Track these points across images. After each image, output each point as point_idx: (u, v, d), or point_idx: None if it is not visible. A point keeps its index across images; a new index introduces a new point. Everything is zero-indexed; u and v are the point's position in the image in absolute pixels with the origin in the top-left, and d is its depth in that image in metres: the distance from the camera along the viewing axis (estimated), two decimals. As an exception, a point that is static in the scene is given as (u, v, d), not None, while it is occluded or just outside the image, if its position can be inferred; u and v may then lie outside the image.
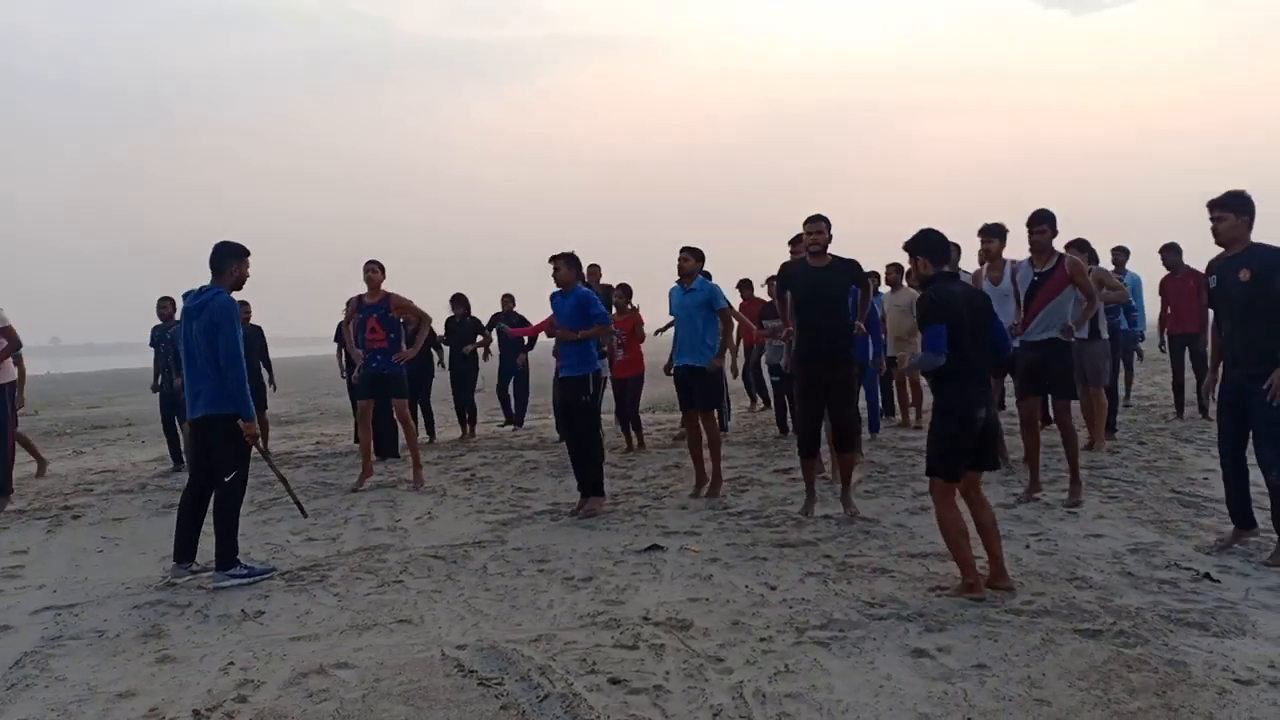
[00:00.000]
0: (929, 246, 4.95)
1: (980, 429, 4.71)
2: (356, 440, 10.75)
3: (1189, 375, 10.46)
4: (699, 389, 7.53)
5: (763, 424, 11.67)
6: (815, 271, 6.46)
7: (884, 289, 10.79)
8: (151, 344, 10.35)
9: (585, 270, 7.71)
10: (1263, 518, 5.22)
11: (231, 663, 4.17)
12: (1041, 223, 6.64)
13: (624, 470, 8.78)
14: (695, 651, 4.03)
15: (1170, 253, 10.54)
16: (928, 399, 11.22)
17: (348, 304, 8.73)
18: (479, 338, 11.98)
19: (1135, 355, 11.59)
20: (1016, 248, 7.69)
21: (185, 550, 5.63)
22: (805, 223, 6.58)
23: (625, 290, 10.22)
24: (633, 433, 10.14)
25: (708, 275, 7.81)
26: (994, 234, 7.54)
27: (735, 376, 11.04)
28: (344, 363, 11.19)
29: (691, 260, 7.55)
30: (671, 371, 7.71)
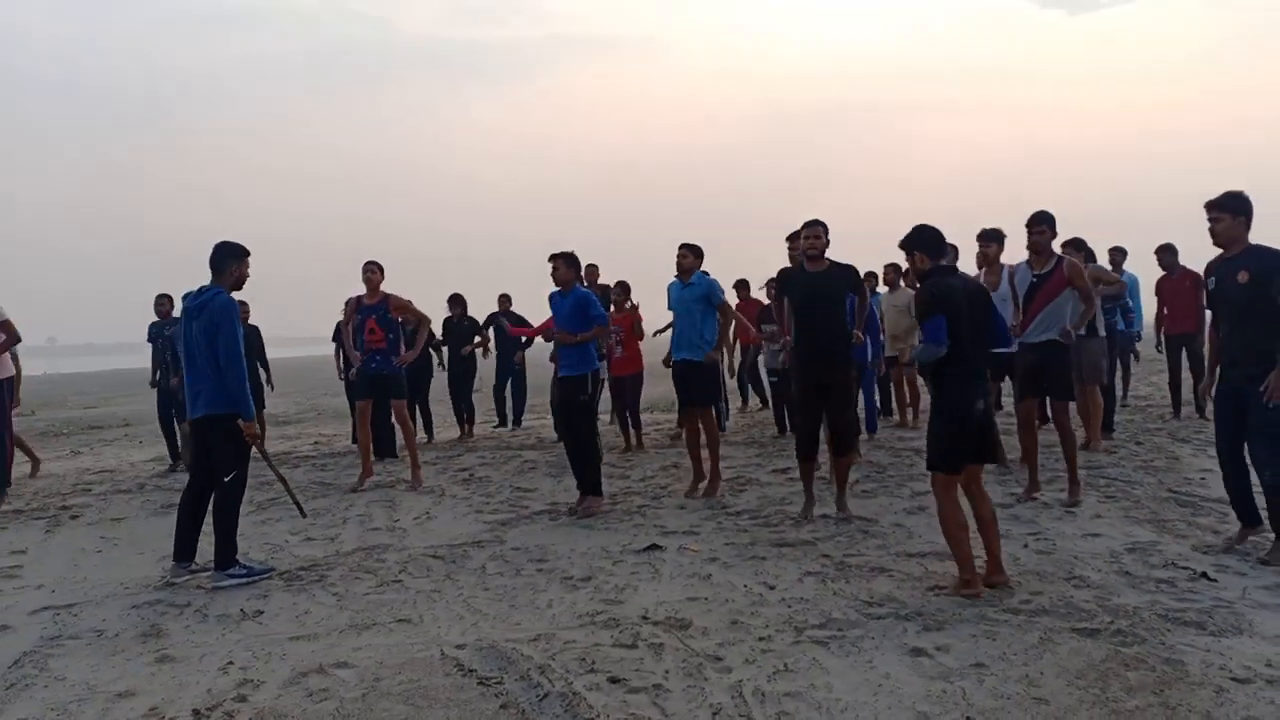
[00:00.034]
0: (924, 241, 4.98)
1: (979, 421, 4.74)
2: (355, 440, 10.76)
3: (1186, 375, 10.49)
4: (696, 384, 7.54)
5: (761, 424, 11.68)
6: (813, 276, 6.47)
7: (881, 289, 10.81)
8: (149, 340, 10.36)
9: (583, 270, 7.71)
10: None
11: (231, 662, 4.18)
12: (1041, 223, 6.66)
13: (622, 470, 8.79)
14: (694, 650, 4.04)
15: (1166, 253, 10.57)
16: (924, 400, 11.27)
17: (346, 304, 8.73)
18: (476, 338, 11.99)
19: (1132, 356, 11.61)
20: (1014, 252, 7.72)
21: (185, 550, 5.64)
22: (803, 226, 6.59)
23: (624, 288, 10.23)
24: (631, 431, 10.13)
25: (704, 273, 7.82)
26: (992, 239, 7.59)
27: (731, 376, 11.05)
28: (342, 363, 11.20)
29: (690, 257, 7.57)
30: (670, 364, 7.74)
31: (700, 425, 7.57)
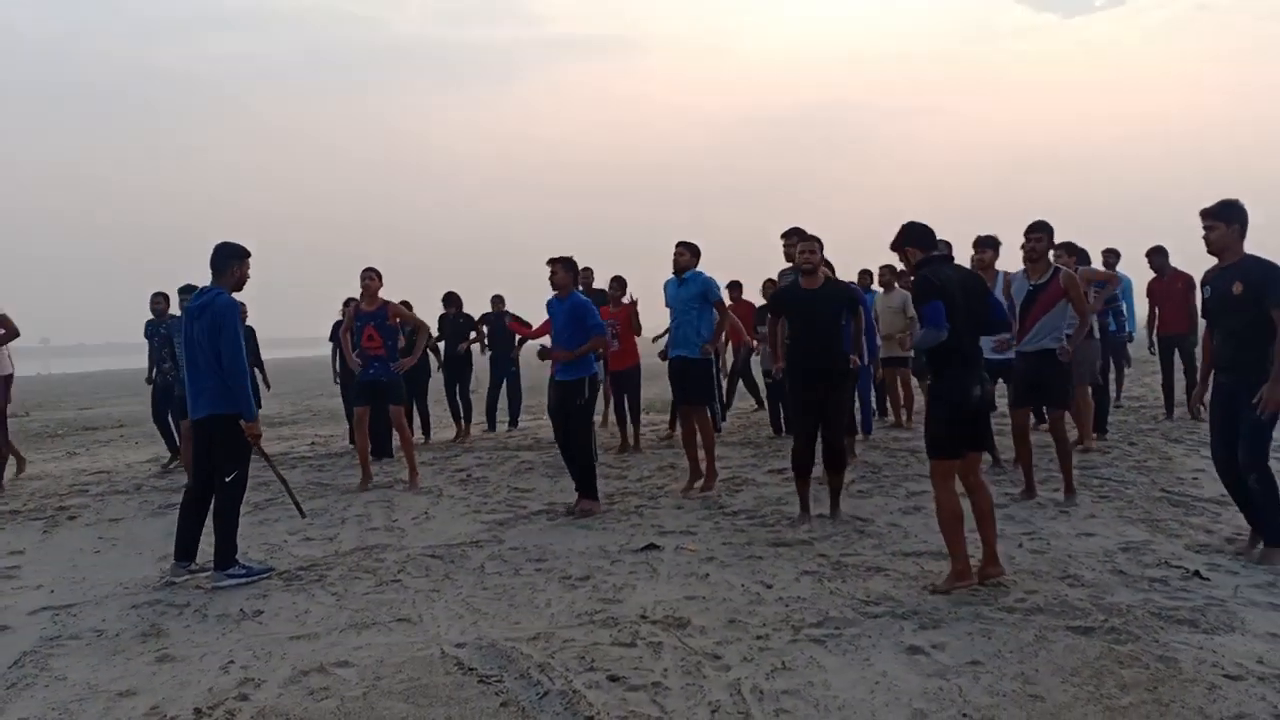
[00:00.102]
0: (913, 236, 5.04)
1: (976, 408, 4.79)
2: (352, 442, 10.78)
3: (1178, 376, 10.55)
4: (693, 382, 7.58)
5: (756, 425, 11.72)
6: (808, 295, 6.48)
7: (876, 288, 10.86)
8: (146, 337, 10.38)
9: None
10: None
11: (231, 661, 4.20)
12: (1038, 231, 6.72)
13: (619, 470, 8.82)
14: (693, 649, 4.07)
15: (1157, 255, 10.62)
16: (919, 401, 11.32)
17: (345, 304, 8.75)
18: (471, 333, 12.03)
19: (1124, 360, 11.65)
20: (1010, 259, 7.78)
21: (186, 550, 5.66)
22: (799, 242, 6.61)
23: (620, 283, 10.27)
24: (630, 429, 10.14)
25: (700, 272, 7.84)
26: (987, 245, 7.66)
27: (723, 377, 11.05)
28: (338, 366, 11.22)
29: (687, 255, 7.60)
30: (665, 358, 7.77)
31: (695, 424, 7.60)
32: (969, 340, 4.87)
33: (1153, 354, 11.01)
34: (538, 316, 10.12)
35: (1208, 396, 5.47)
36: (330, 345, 11.34)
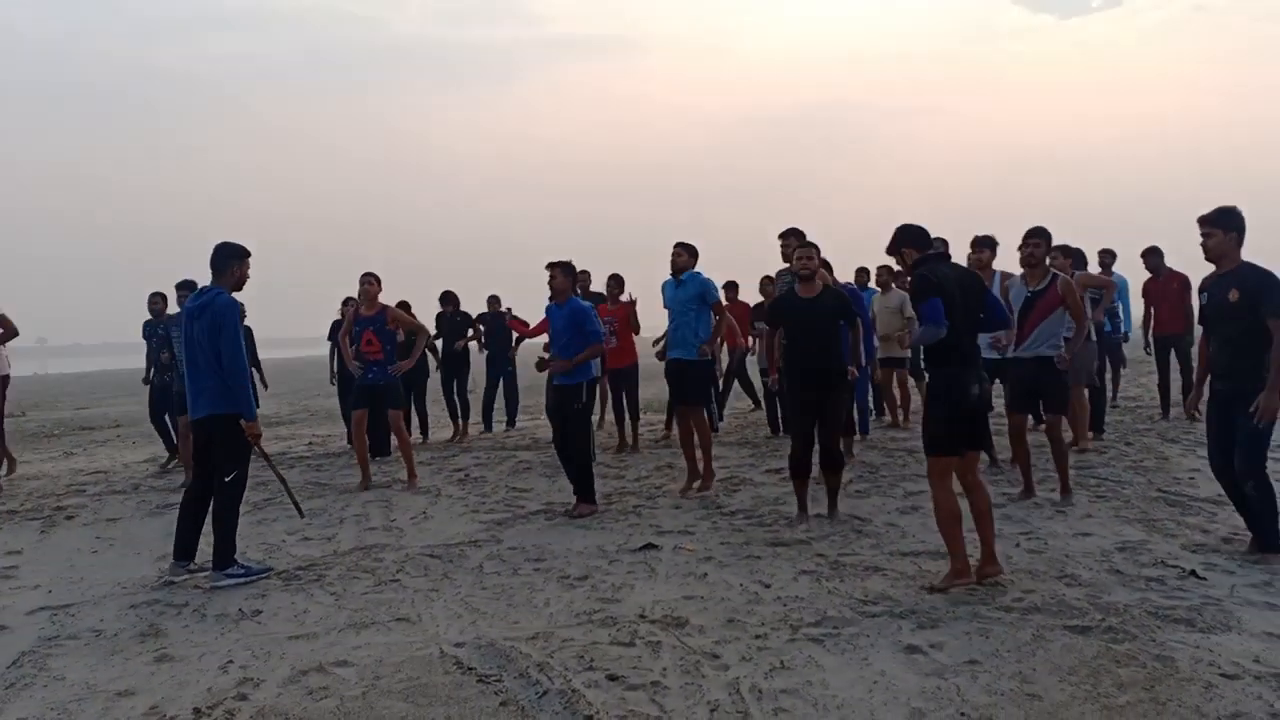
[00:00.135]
0: (909, 238, 5.07)
1: (974, 406, 4.80)
2: (350, 443, 10.79)
3: (1175, 376, 10.58)
4: (690, 383, 7.59)
5: (754, 425, 11.73)
6: (806, 304, 6.49)
7: (873, 286, 10.88)
8: (144, 338, 10.37)
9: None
10: None
11: (230, 661, 4.20)
12: (1036, 237, 6.75)
13: (617, 470, 8.83)
14: (691, 648, 4.08)
15: (1152, 255, 10.65)
16: (915, 401, 11.33)
17: (344, 303, 8.76)
18: (469, 330, 12.05)
19: (1119, 360, 11.68)
20: (1007, 260, 7.81)
21: (185, 549, 5.66)
22: (798, 247, 6.62)
23: (618, 281, 10.28)
24: (628, 427, 10.14)
25: (698, 273, 7.85)
26: (985, 245, 7.70)
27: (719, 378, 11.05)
28: (335, 367, 11.22)
29: (684, 255, 7.61)
30: (664, 359, 7.78)
31: (692, 424, 7.61)
32: (967, 338, 4.89)
33: (1148, 354, 11.04)
34: (537, 317, 10.16)
35: (1203, 403, 5.49)
36: (329, 345, 11.34)
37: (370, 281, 8.53)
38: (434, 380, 11.88)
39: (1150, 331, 10.82)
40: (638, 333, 10.30)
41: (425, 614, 4.75)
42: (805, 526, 6.23)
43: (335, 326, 10.95)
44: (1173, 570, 4.91)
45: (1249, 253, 5.14)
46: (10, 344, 9.51)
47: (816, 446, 6.51)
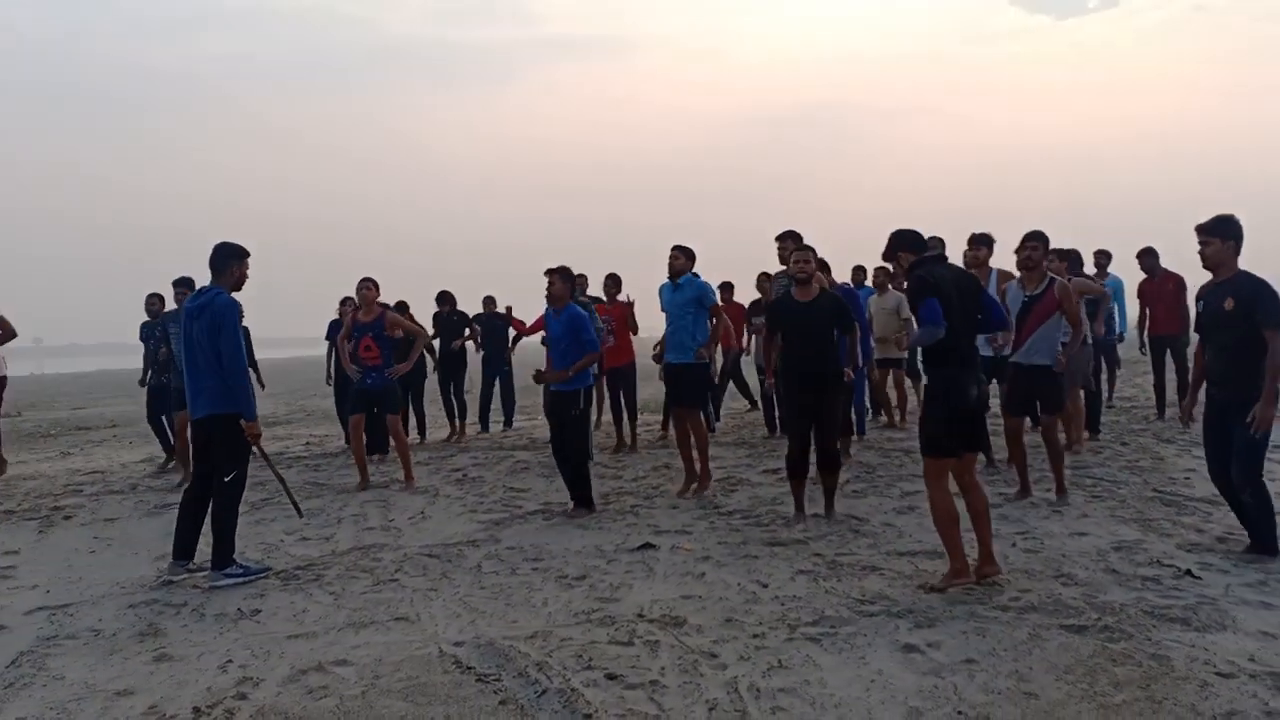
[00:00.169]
0: (904, 243, 5.09)
1: (973, 408, 4.81)
2: (348, 442, 10.77)
3: (1170, 377, 10.60)
4: (687, 385, 7.60)
5: (750, 425, 11.74)
6: (803, 307, 6.51)
7: (869, 284, 10.89)
8: (141, 340, 10.35)
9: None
10: None
11: (230, 660, 4.21)
12: (1034, 240, 6.79)
13: (614, 470, 8.84)
14: (690, 648, 4.10)
15: (1147, 256, 10.66)
16: (911, 401, 11.36)
17: (342, 303, 8.77)
18: (466, 330, 12.06)
19: (1114, 361, 11.70)
20: (1003, 259, 7.83)
21: (184, 549, 5.67)
22: (794, 251, 6.64)
23: (615, 280, 10.29)
24: (626, 428, 10.15)
25: (695, 276, 7.86)
26: (981, 243, 7.72)
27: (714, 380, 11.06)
28: (331, 368, 11.22)
29: (681, 259, 7.62)
30: (661, 362, 7.79)
31: (689, 427, 7.61)
32: (965, 339, 4.90)
33: (1144, 354, 11.06)
34: (535, 316, 10.18)
35: (1198, 409, 5.52)
36: (326, 345, 11.33)
37: (368, 287, 8.57)
38: (431, 380, 11.88)
39: (1145, 332, 10.85)
40: (636, 333, 10.30)
41: (424, 613, 4.76)
42: (802, 526, 6.25)
43: (333, 326, 10.95)
44: (1168, 570, 4.93)
45: (1248, 252, 5.17)
46: (7, 344, 9.50)
47: (813, 447, 6.53)
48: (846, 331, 6.63)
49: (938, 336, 4.73)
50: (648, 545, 5.90)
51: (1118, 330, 11.08)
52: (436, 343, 11.95)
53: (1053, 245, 7.36)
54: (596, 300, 10.11)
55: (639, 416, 10.47)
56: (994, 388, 7.94)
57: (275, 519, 7.15)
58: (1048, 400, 6.80)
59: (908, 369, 11.22)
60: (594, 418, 10.01)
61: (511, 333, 12.07)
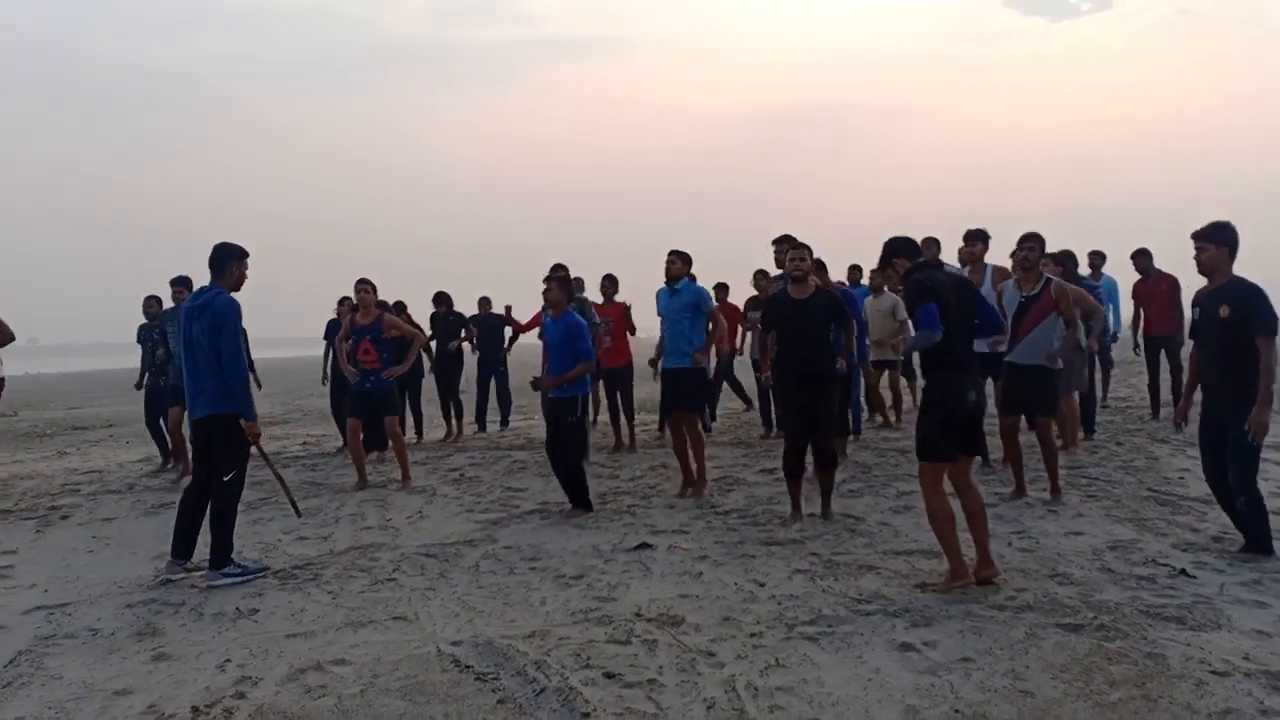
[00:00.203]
0: (898, 250, 5.12)
1: (970, 412, 4.82)
2: (345, 445, 10.76)
3: (1164, 377, 10.62)
4: (684, 390, 7.61)
5: (747, 425, 11.76)
6: (798, 305, 6.53)
7: (864, 282, 10.91)
8: (139, 342, 10.34)
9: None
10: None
11: (228, 660, 4.21)
12: (1031, 241, 6.81)
13: (611, 470, 8.85)
14: (687, 646, 4.11)
15: (1141, 257, 10.69)
16: (906, 401, 11.37)
17: (340, 302, 8.76)
18: (462, 331, 12.07)
19: (1108, 361, 11.72)
20: (998, 257, 7.86)
21: (183, 548, 5.67)
22: (789, 250, 6.65)
23: (612, 281, 10.31)
24: (624, 427, 10.16)
25: (692, 280, 7.87)
26: (977, 238, 7.74)
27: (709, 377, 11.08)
28: (327, 368, 11.20)
29: (679, 263, 7.62)
30: (657, 369, 7.80)
31: (685, 431, 7.61)
32: (963, 343, 4.90)
33: (1137, 355, 11.09)
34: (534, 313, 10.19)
35: (1192, 412, 5.55)
36: (324, 344, 11.32)
37: (366, 289, 8.58)
38: (428, 381, 11.88)
39: (1140, 333, 10.87)
40: (634, 334, 10.30)
41: (422, 613, 4.77)
42: (799, 526, 6.27)
43: (331, 326, 10.94)
44: (1163, 569, 4.95)
45: (1248, 253, 5.20)
46: (4, 347, 9.47)
47: (810, 447, 6.54)
48: (843, 326, 6.65)
49: (934, 341, 4.74)
50: (645, 545, 5.92)
51: (1112, 330, 11.11)
52: (433, 345, 11.95)
53: (1050, 247, 7.38)
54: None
55: (636, 416, 10.47)
56: (991, 387, 7.97)
57: (273, 518, 7.15)
58: (1042, 400, 6.83)
59: (903, 369, 11.23)
60: (591, 417, 10.03)
61: (508, 332, 12.08)
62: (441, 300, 12.12)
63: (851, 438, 9.36)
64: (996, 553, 5.18)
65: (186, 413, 5.92)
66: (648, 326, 10.73)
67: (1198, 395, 5.53)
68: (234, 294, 5.68)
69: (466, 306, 12.37)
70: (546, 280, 7.21)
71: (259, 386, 11.06)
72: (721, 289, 12.01)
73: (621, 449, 10.00)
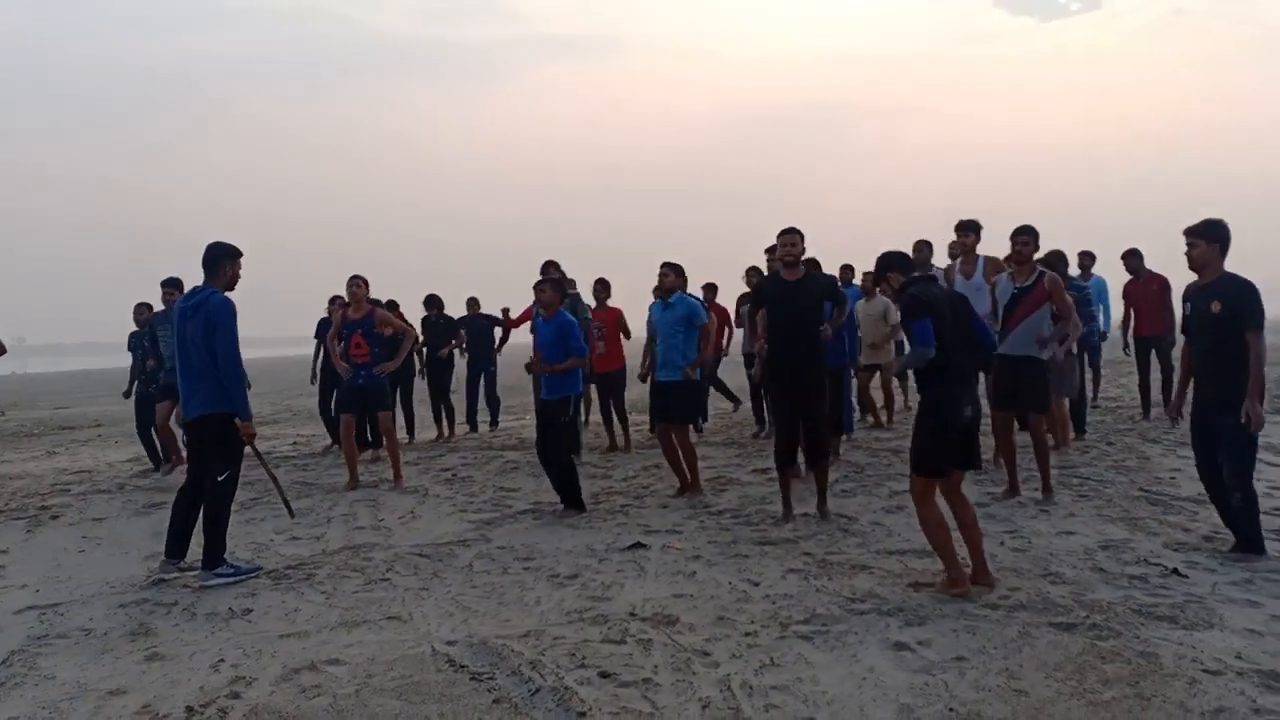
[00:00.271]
0: (891, 263, 5.14)
1: (966, 426, 4.83)
2: (335, 444, 10.73)
3: (1155, 377, 10.68)
4: (677, 403, 7.58)
5: (739, 425, 11.77)
6: (789, 285, 6.55)
7: (856, 283, 10.93)
8: (130, 350, 10.27)
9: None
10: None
11: (222, 660, 4.20)
12: (1025, 235, 6.83)
13: (604, 470, 8.85)
14: (682, 646, 4.12)
15: (1132, 258, 10.74)
16: (898, 401, 11.39)
17: (331, 301, 8.75)
18: (452, 339, 12.03)
19: (1097, 361, 11.76)
20: (992, 248, 7.88)
21: (177, 547, 5.66)
22: (780, 234, 6.67)
23: (604, 285, 10.31)
24: (618, 430, 10.16)
25: (684, 294, 7.87)
26: (969, 229, 7.77)
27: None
28: (317, 367, 11.16)
29: (672, 276, 7.61)
30: (647, 380, 7.82)
31: (675, 441, 7.59)
32: (958, 357, 4.88)
33: (1127, 355, 11.14)
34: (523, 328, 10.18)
35: (1186, 408, 5.58)
36: (315, 343, 11.28)
37: (358, 284, 8.57)
38: (420, 381, 11.86)
39: (1130, 333, 10.92)
40: (629, 337, 10.28)
41: (416, 612, 4.76)
42: (792, 526, 6.27)
43: (322, 325, 10.90)
44: (1155, 568, 4.98)
45: (1247, 253, 5.24)
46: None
47: (802, 437, 6.55)
48: (837, 304, 6.71)
49: (928, 358, 4.75)
50: (638, 545, 5.92)
51: (1101, 330, 11.16)
52: (425, 349, 11.91)
53: (1046, 246, 7.41)
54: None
55: (629, 416, 10.46)
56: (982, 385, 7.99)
57: (265, 518, 7.13)
58: (1032, 392, 6.83)
59: (895, 370, 11.24)
60: (584, 417, 10.03)
61: (498, 332, 12.06)
62: (433, 303, 12.09)
63: (844, 437, 9.39)
64: (988, 552, 5.19)
65: (178, 411, 5.90)
66: (642, 327, 10.73)
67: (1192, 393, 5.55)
68: (228, 293, 5.66)
69: (460, 308, 12.35)
70: (539, 282, 7.23)
71: (248, 386, 11.03)
72: (710, 289, 12.02)
73: (615, 450, 10.00)
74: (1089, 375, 11.00)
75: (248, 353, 10.82)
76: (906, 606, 4.50)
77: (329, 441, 11.15)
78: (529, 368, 7.29)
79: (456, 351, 12.10)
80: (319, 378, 11.14)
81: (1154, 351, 10.64)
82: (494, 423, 12.63)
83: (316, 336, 11.11)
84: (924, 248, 9.58)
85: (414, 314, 11.78)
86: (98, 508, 7.93)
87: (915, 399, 6.13)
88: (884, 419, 10.95)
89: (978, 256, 7.80)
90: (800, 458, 6.76)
